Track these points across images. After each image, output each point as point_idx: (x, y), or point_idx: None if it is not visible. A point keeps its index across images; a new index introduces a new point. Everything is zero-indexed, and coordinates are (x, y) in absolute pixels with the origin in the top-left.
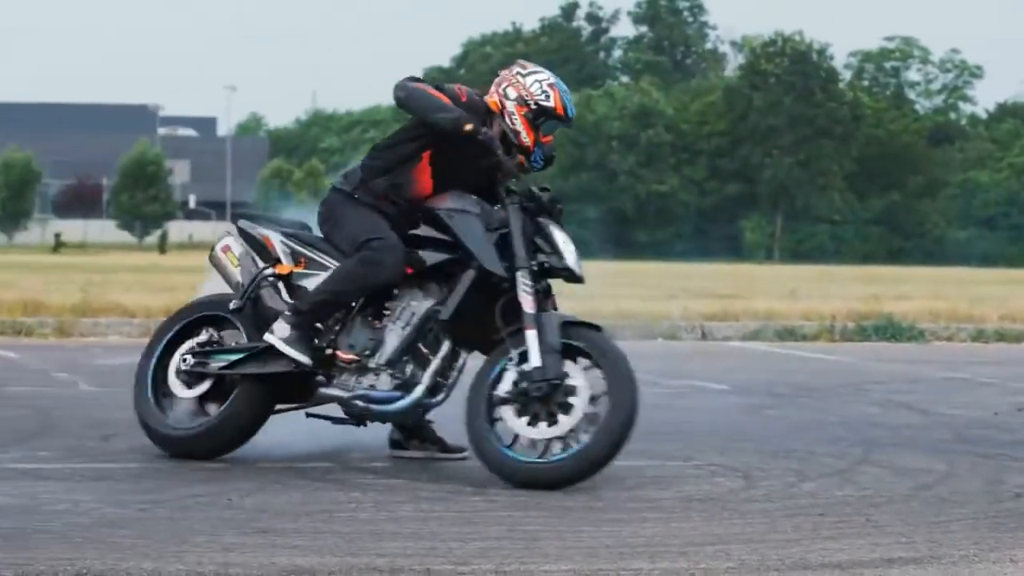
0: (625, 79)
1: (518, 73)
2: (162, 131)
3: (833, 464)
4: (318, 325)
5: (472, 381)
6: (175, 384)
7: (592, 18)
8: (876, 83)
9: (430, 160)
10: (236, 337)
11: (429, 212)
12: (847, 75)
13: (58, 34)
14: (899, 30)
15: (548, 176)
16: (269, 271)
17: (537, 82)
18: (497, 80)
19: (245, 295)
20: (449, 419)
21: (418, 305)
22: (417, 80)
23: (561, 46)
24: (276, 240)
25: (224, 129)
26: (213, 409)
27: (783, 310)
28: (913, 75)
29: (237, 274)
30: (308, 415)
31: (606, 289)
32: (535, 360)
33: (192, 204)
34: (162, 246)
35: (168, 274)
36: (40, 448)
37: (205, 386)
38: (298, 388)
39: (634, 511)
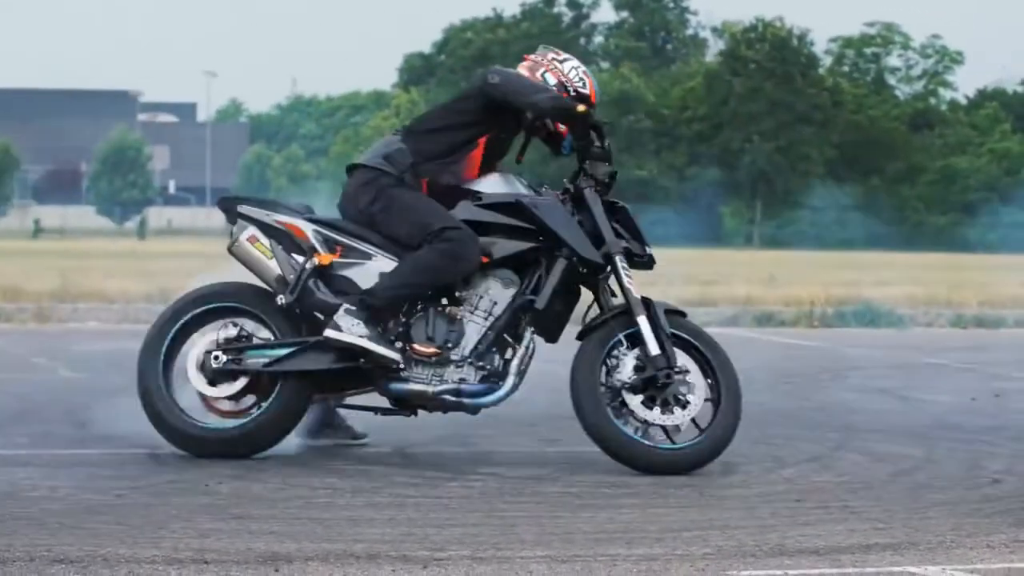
0: (606, 65)
1: (554, 59)
2: (142, 117)
3: (811, 450)
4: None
5: (578, 367)
6: (198, 381)
7: (573, 4)
8: (856, 69)
9: (485, 144)
10: (256, 330)
11: (496, 198)
12: (827, 61)
13: (38, 20)
14: (880, 16)
15: (529, 161)
16: (310, 264)
17: (574, 68)
18: (529, 65)
19: (297, 289)
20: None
21: (498, 295)
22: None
23: (542, 32)
24: (308, 229)
25: (204, 115)
26: (231, 406)
27: (762, 296)
28: (894, 61)
29: (274, 266)
30: (344, 406)
31: None
32: (653, 348)
33: (172, 190)
34: (141, 232)
35: (147, 260)
36: (18, 434)
37: (240, 384)
38: (349, 379)
39: (611, 497)
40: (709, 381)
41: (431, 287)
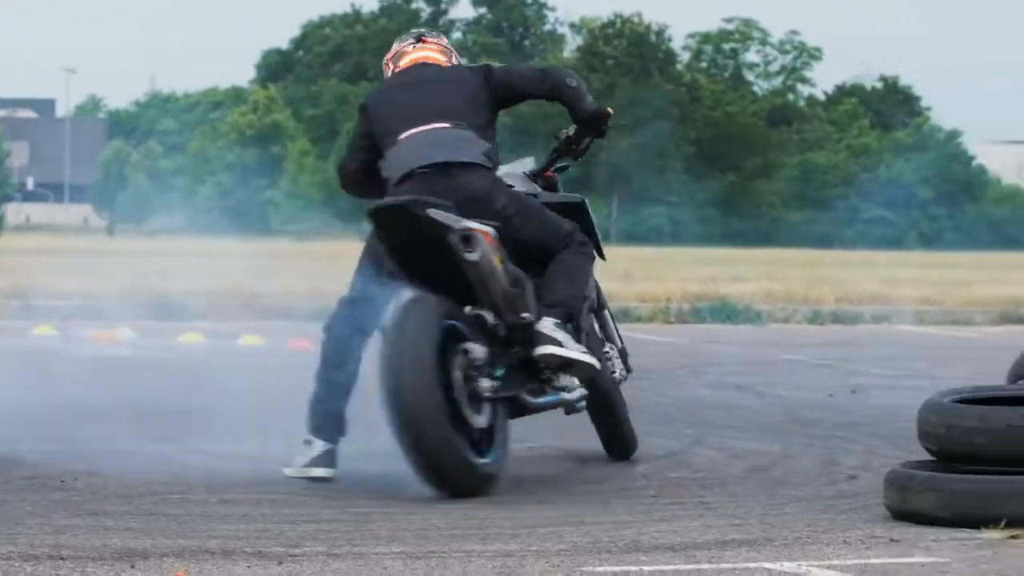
0: (464, 61)
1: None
2: (0, 113)
3: (667, 446)
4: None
5: None
6: (469, 412)
7: None
8: (715, 65)
9: None
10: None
11: (563, 199)
12: (685, 57)
13: None
14: (738, 12)
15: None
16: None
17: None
18: (440, 49)
19: (531, 305)
20: None
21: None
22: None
23: (401, 27)
24: (493, 235)
25: (63, 111)
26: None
27: (618, 292)
28: (752, 57)
29: (503, 278)
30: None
31: None
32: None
33: (30, 186)
34: None
35: (4, 255)
36: None
37: (488, 411)
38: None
39: None
40: None
41: None
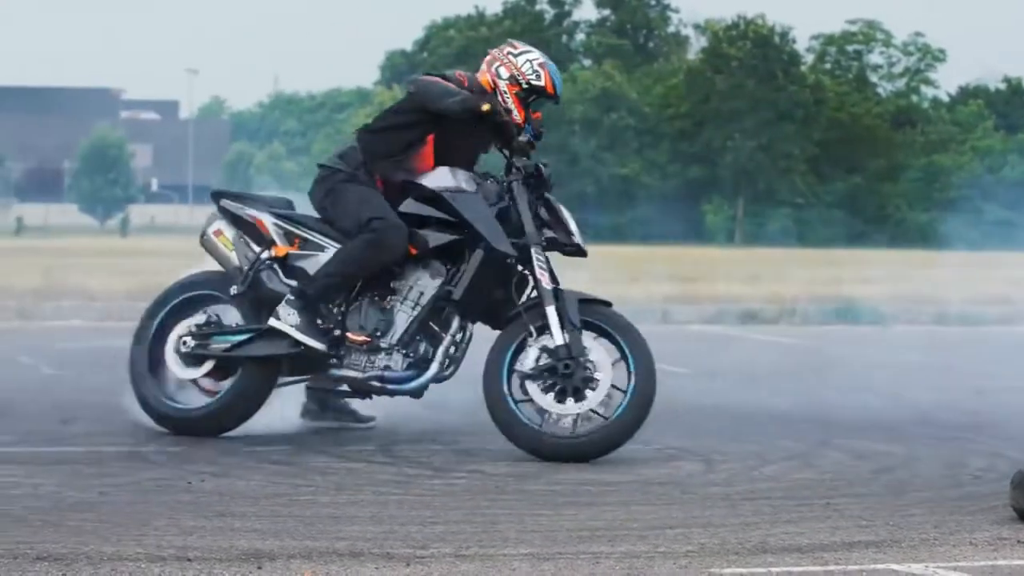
0: (588, 63)
1: (509, 53)
2: (125, 114)
3: (793, 448)
4: (320, 307)
5: (489, 358)
6: (174, 364)
7: (555, 1)
8: (838, 66)
9: (434, 142)
10: (230, 315)
11: (426, 191)
12: (809, 59)
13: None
14: (862, 13)
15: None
16: (266, 255)
17: (528, 62)
18: (488, 59)
19: (246, 280)
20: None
21: (425, 285)
22: (427, 75)
23: (524, 30)
24: (268, 222)
25: (186, 113)
26: (211, 385)
27: (744, 293)
28: (876, 58)
29: (233, 258)
30: (308, 388)
31: (568, 272)
32: (559, 338)
33: (154, 187)
34: (124, 229)
35: (130, 257)
36: (1, 431)
37: (207, 367)
38: (301, 364)
39: (593, 495)
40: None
41: (359, 276)
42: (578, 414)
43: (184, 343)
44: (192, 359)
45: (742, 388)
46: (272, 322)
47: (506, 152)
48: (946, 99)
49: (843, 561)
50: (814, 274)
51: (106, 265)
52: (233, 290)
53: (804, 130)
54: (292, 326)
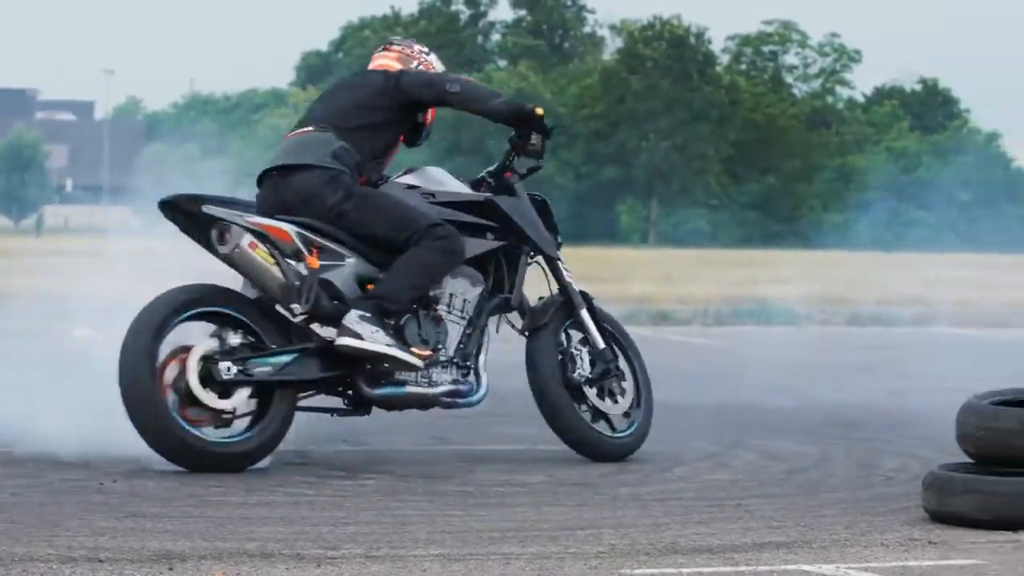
0: (504, 63)
1: (421, 52)
2: (40, 115)
3: (706, 448)
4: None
5: (539, 362)
6: (202, 394)
7: (471, 2)
8: (754, 67)
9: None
10: (241, 337)
11: (461, 196)
12: (725, 59)
13: None
14: (778, 14)
15: (424, 159)
16: (309, 269)
17: (437, 60)
18: (399, 57)
19: (310, 297)
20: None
21: (467, 293)
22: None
23: (440, 30)
24: (292, 231)
25: (102, 113)
26: (239, 412)
27: (657, 294)
28: (791, 59)
29: (276, 273)
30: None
31: None
32: (600, 341)
33: (69, 188)
34: (38, 230)
35: (43, 257)
36: None
37: (245, 393)
38: (319, 384)
39: (504, 495)
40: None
41: (431, 287)
42: (618, 415)
43: (223, 369)
44: (226, 387)
45: (654, 389)
46: (351, 342)
47: (513, 154)
48: (861, 100)
49: (754, 562)
50: (728, 275)
51: (19, 265)
52: (297, 308)
53: (719, 131)
54: (387, 344)
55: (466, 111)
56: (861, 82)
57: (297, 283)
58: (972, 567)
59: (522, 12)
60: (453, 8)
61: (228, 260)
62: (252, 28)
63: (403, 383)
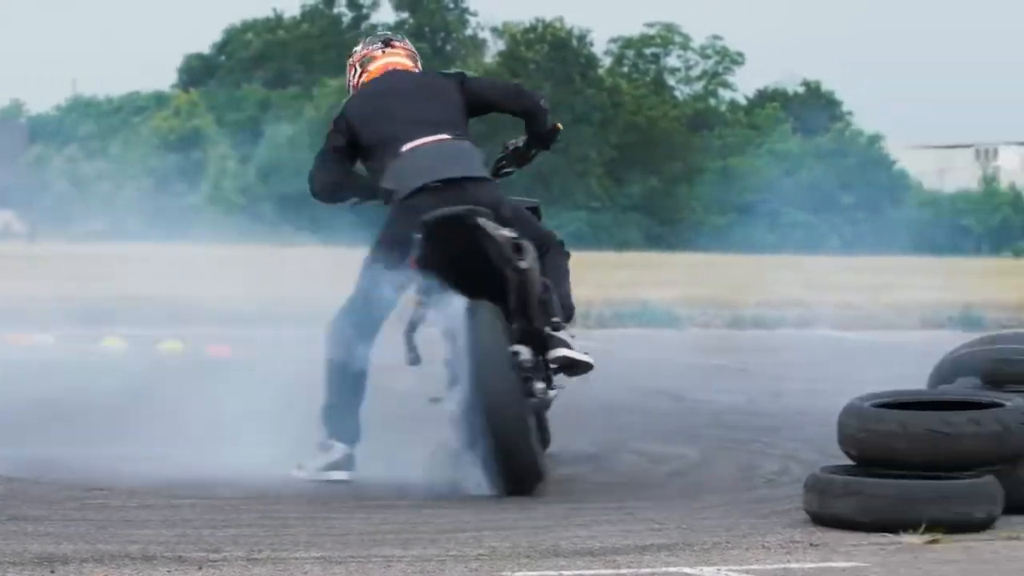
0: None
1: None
2: None
3: (587, 450)
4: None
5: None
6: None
7: (353, 4)
8: (636, 69)
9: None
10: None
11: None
12: (607, 61)
13: None
14: (660, 16)
15: (306, 162)
16: None
17: None
18: (410, 55)
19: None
20: None
21: None
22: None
23: (322, 32)
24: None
25: None
26: None
27: None
28: (673, 61)
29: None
30: None
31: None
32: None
33: None
34: None
35: None
36: None
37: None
38: None
39: (386, 498)
40: None
41: None
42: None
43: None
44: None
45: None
46: (564, 352)
47: (504, 161)
48: (744, 102)
49: (635, 564)
50: (609, 277)
51: None
52: (557, 320)
53: (601, 133)
54: (583, 352)
55: (531, 122)
56: (743, 84)
57: (547, 294)
58: (853, 569)
59: (404, 15)
60: (335, 11)
61: (523, 274)
62: (134, 30)
63: (555, 388)
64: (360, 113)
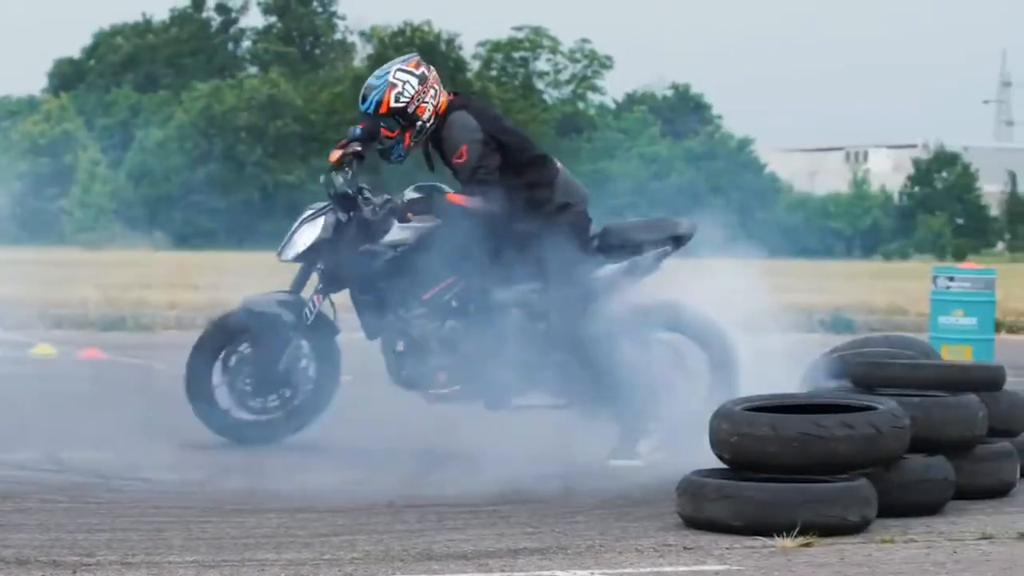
0: (254, 70)
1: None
2: None
3: (461, 453)
4: None
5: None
6: None
7: (221, 8)
8: (505, 73)
9: None
10: None
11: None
12: (476, 65)
13: None
14: (528, 20)
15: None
16: None
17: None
18: (436, 78)
19: None
20: None
21: None
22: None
23: (191, 37)
24: None
25: None
26: None
27: None
28: (542, 65)
29: None
30: None
31: (240, 280)
32: None
33: None
34: None
35: None
36: None
37: None
38: None
39: (259, 502)
40: None
41: None
42: None
43: None
44: None
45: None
46: None
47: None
48: (613, 106)
49: (508, 568)
50: None
51: None
52: None
53: None
54: None
55: None
56: (612, 88)
57: None
58: (727, 572)
59: (273, 19)
60: (204, 15)
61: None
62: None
63: None
64: (499, 129)
